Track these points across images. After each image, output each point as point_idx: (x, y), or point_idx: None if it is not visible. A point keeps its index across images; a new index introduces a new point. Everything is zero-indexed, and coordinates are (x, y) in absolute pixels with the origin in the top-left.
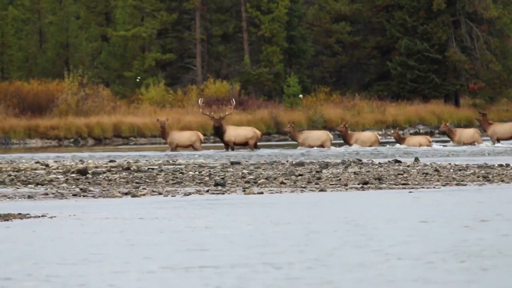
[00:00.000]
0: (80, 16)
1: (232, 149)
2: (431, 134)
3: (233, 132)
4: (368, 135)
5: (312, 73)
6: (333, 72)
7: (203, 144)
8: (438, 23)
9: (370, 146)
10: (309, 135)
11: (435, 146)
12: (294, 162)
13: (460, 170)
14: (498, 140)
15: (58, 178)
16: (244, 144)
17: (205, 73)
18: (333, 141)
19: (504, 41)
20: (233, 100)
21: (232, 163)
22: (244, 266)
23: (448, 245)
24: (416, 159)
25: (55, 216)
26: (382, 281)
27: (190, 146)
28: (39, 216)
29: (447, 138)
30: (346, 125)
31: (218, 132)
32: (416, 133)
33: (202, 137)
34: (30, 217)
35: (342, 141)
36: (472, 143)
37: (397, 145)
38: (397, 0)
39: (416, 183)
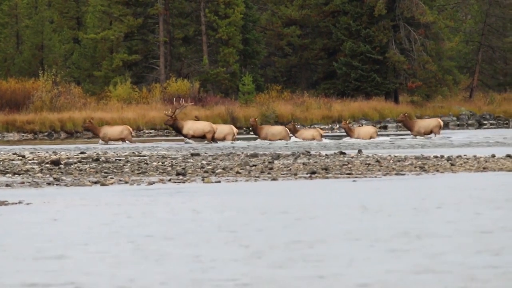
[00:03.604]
0: (54, 20)
1: (190, 138)
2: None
3: (191, 126)
4: (278, 129)
5: (265, 72)
6: (284, 71)
7: (165, 137)
8: (379, 27)
9: (280, 139)
10: None
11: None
12: (248, 154)
13: (399, 161)
14: (423, 134)
15: (33, 168)
16: (202, 137)
17: (167, 73)
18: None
19: (439, 43)
20: (182, 100)
21: (192, 155)
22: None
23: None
24: (359, 151)
25: (31, 203)
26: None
27: (121, 139)
28: (16, 203)
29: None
30: (256, 119)
31: (174, 127)
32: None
33: (131, 130)
34: (8, 204)
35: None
36: (369, 138)
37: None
38: (342, 6)
39: (360, 172)
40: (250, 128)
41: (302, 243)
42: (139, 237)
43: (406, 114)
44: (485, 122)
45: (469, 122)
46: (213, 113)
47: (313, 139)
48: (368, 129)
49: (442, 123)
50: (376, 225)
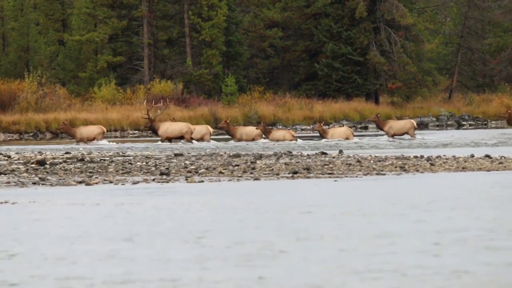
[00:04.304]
0: (39, 22)
1: (170, 141)
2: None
3: (167, 128)
4: (250, 129)
5: (247, 74)
6: (266, 73)
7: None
8: (360, 29)
9: (253, 139)
10: None
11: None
12: (231, 154)
13: (379, 161)
14: (393, 135)
15: (19, 168)
16: (180, 138)
17: (151, 74)
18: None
19: (418, 45)
20: (153, 101)
21: (176, 155)
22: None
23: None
24: (341, 151)
25: (16, 202)
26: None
27: (95, 138)
28: (2, 202)
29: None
30: (227, 121)
31: (152, 129)
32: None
33: (105, 130)
34: None
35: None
36: (345, 139)
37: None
38: (324, 9)
39: (341, 172)
40: (224, 130)
41: (272, 243)
42: (121, 236)
43: (378, 115)
44: (464, 122)
45: (449, 122)
46: (196, 114)
47: (284, 140)
48: (344, 130)
49: (415, 125)
50: (348, 225)
